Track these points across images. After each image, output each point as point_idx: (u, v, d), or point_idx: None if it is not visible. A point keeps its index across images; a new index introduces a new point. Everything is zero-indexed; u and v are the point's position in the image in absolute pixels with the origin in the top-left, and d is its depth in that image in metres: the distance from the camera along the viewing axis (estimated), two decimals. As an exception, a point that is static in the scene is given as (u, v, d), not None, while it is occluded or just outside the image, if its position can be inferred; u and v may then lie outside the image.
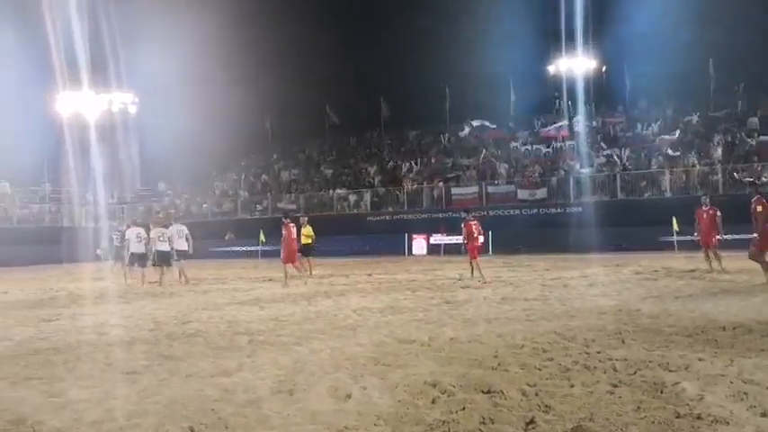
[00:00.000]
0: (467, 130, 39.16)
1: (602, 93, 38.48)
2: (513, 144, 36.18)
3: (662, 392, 4.59)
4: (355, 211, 34.44)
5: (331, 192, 35.94)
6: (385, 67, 43.97)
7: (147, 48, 35.28)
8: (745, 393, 4.47)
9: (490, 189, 31.86)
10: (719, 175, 27.18)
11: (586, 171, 30.80)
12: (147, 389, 5.20)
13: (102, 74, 38.67)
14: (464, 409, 4.37)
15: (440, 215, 30.49)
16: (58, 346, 7.29)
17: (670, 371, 5.19)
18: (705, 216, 14.70)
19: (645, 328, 7.26)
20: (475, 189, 32.13)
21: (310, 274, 17.45)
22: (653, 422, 3.96)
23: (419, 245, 30.08)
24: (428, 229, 30.29)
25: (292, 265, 16.11)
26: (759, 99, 32.68)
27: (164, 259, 16.29)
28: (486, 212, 28.93)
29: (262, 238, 28.61)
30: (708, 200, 15.21)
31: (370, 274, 17.55)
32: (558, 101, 37.73)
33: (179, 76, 35.05)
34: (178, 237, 16.51)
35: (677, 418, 4.02)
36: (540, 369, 5.44)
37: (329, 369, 5.70)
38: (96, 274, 20.82)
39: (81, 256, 29.53)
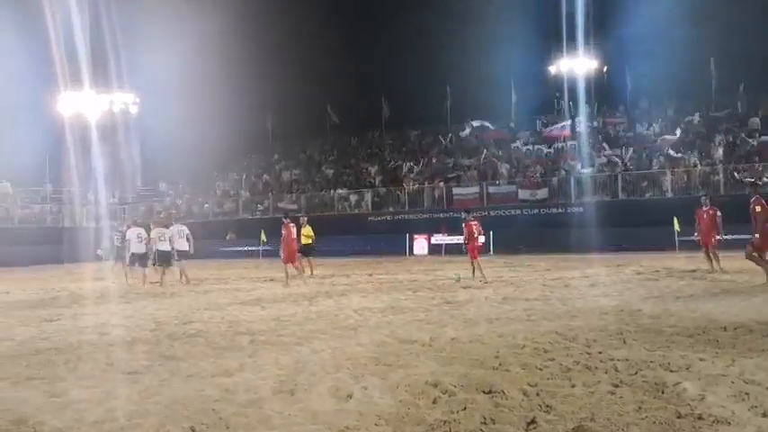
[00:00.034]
0: (467, 130, 39.16)
1: (604, 93, 38.51)
2: (515, 144, 36.17)
3: (663, 393, 4.59)
4: (356, 211, 34.43)
5: (332, 192, 35.94)
6: (386, 67, 44.04)
7: (148, 48, 35.30)
8: (747, 394, 4.46)
9: (491, 189, 31.84)
10: (721, 176, 27.16)
11: (587, 171, 30.77)
12: (148, 389, 5.20)
13: (104, 74, 38.75)
14: (465, 409, 4.37)
15: (441, 215, 30.45)
16: (60, 346, 7.30)
17: (671, 371, 5.19)
18: (705, 216, 14.70)
19: (646, 329, 7.25)
20: (476, 189, 32.12)
21: (311, 274, 17.46)
22: (654, 422, 3.96)
23: (420, 245, 30.07)
24: (429, 229, 30.27)
25: (292, 265, 16.12)
26: (760, 99, 32.66)
27: (164, 259, 16.30)
28: (487, 212, 28.93)
29: (263, 237, 28.61)
30: (707, 200, 15.20)
31: (371, 275, 17.55)
32: (559, 101, 37.73)
33: (180, 77, 35.05)
34: (179, 237, 16.52)
35: (678, 418, 4.02)
36: (541, 369, 5.44)
37: (330, 369, 5.70)
38: (97, 274, 20.83)
39: (82, 257, 29.54)
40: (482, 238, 19.19)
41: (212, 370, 5.85)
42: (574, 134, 34.36)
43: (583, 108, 34.99)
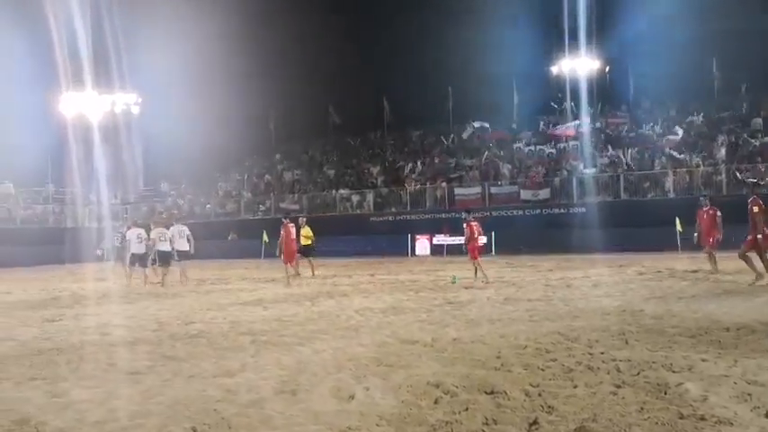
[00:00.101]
0: (468, 131, 39.14)
1: (606, 93, 38.47)
2: (517, 144, 36.15)
3: (665, 393, 4.58)
4: (358, 211, 34.44)
5: (334, 192, 35.95)
6: (388, 68, 44.10)
7: (150, 48, 35.32)
8: (749, 394, 4.45)
9: (493, 189, 31.84)
10: (723, 176, 27.12)
11: (590, 171, 30.76)
12: (150, 389, 5.21)
13: (106, 74, 38.79)
14: (467, 409, 4.36)
15: (443, 215, 30.45)
16: (62, 347, 7.31)
17: (673, 372, 5.18)
18: (705, 216, 14.69)
19: (648, 329, 7.24)
20: (478, 189, 32.12)
21: (312, 274, 17.47)
22: (656, 423, 3.95)
23: (422, 245, 30.07)
24: (431, 229, 30.27)
25: (289, 265, 16.12)
26: (763, 100, 32.61)
27: (165, 260, 16.32)
28: (489, 213, 28.95)
29: (265, 238, 28.63)
30: (707, 200, 15.17)
31: (372, 275, 17.55)
32: (561, 101, 37.69)
33: (182, 77, 35.11)
34: (179, 237, 16.54)
35: (681, 418, 4.01)
36: (543, 370, 5.43)
37: (332, 369, 5.70)
38: (99, 274, 20.85)
39: (84, 257, 29.59)
40: (483, 239, 19.21)
41: (214, 370, 5.85)
42: (576, 134, 34.32)
43: (585, 108, 34.95)
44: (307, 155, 44.40)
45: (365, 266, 21.54)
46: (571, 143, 34.09)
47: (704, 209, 14.77)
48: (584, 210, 28.58)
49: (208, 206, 38.63)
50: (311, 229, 18.31)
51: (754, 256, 11.51)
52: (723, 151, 28.90)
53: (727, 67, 35.33)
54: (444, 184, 33.32)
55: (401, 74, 43.69)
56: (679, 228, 21.37)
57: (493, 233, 26.98)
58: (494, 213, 29.43)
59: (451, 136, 39.72)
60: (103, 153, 36.85)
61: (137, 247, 16.63)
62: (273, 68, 41.64)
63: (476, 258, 14.85)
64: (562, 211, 29.46)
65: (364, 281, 15.85)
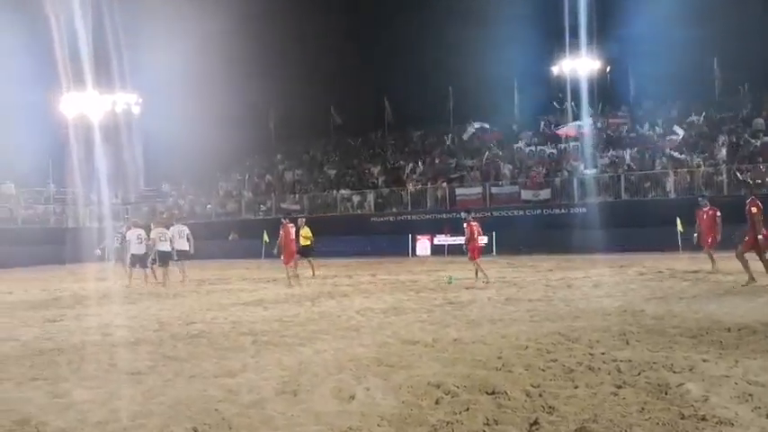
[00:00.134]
0: (468, 132, 39.11)
1: (607, 93, 38.41)
2: (517, 145, 36.13)
3: (666, 394, 4.58)
4: (359, 211, 34.41)
5: (335, 192, 35.94)
6: (388, 68, 44.03)
7: (150, 48, 35.32)
8: (750, 395, 4.46)
9: (494, 190, 31.81)
10: (724, 176, 27.09)
11: (590, 172, 30.74)
12: (151, 389, 5.22)
13: (107, 74, 38.80)
14: (468, 410, 4.37)
15: (443, 216, 30.42)
16: (63, 347, 7.31)
17: (674, 372, 5.19)
18: (705, 217, 14.69)
19: (649, 330, 7.25)
20: (479, 190, 32.09)
21: (313, 275, 17.46)
22: (657, 423, 3.95)
23: (423, 245, 30.05)
24: (432, 229, 30.25)
25: (290, 265, 16.13)
26: (764, 99, 32.56)
27: (165, 260, 16.33)
28: (489, 213, 28.92)
29: (265, 238, 28.62)
30: (706, 201, 15.18)
31: (373, 275, 17.55)
32: (562, 101, 37.65)
33: (183, 77, 35.07)
34: (179, 237, 16.55)
35: (682, 419, 4.01)
36: (544, 370, 5.44)
37: (333, 370, 5.71)
38: (100, 274, 20.86)
39: (85, 257, 29.59)
40: (483, 239, 19.21)
41: (215, 370, 5.86)
42: (579, 134, 34.26)
43: (586, 108, 34.92)
44: (307, 155, 44.39)
45: (366, 267, 21.54)
46: (572, 143, 34.07)
47: (704, 209, 14.78)
48: (584, 210, 28.56)
49: (208, 206, 38.62)
50: (310, 230, 18.31)
51: (751, 257, 11.51)
52: (724, 151, 28.86)
53: (728, 66, 35.28)
54: (445, 184, 33.30)
55: (402, 74, 43.69)
56: (680, 228, 21.36)
57: (494, 233, 26.96)
58: (494, 214, 29.38)
59: (452, 136, 39.67)
60: (104, 153, 36.85)
61: (136, 248, 16.61)
62: (274, 68, 41.65)
63: (475, 259, 14.84)
64: (563, 211, 29.44)
65: (365, 281, 15.85)
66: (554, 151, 34.48)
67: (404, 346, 6.82)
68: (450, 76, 41.32)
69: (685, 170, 28.50)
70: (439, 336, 7.33)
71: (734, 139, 29.90)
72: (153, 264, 16.68)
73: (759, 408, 4.20)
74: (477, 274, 14.68)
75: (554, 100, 38.19)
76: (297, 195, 36.92)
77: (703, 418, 4.00)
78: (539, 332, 7.32)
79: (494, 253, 26.22)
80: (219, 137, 37.86)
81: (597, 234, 24.89)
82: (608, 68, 38.23)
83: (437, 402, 4.60)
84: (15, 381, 5.69)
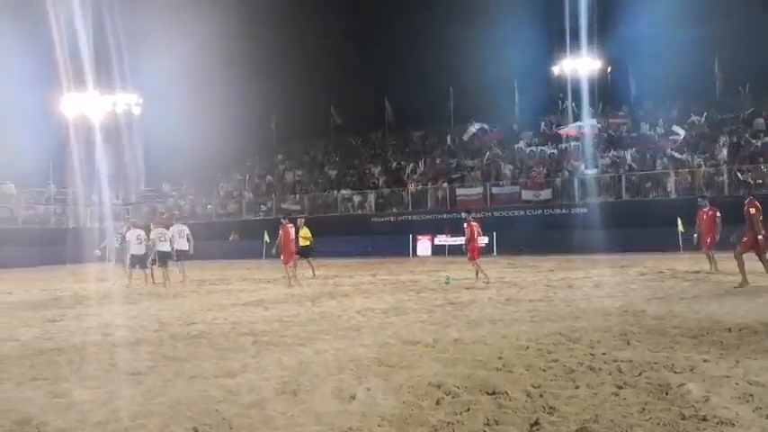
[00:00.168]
0: (469, 133, 39.10)
1: (607, 93, 38.45)
2: (518, 145, 36.13)
3: (667, 394, 4.57)
4: (359, 211, 34.43)
5: (335, 192, 35.96)
6: (389, 68, 44.05)
7: (151, 49, 35.37)
8: (751, 395, 4.45)
9: (495, 190, 31.81)
10: (725, 176, 27.08)
11: (591, 172, 30.74)
12: (151, 390, 5.21)
13: (107, 75, 38.87)
14: (468, 410, 4.36)
15: (444, 216, 30.44)
16: (63, 347, 7.31)
17: (675, 372, 5.18)
18: (705, 217, 14.69)
19: (650, 330, 7.24)
20: (479, 190, 32.11)
21: (313, 275, 17.46)
22: (658, 424, 3.94)
23: (423, 246, 30.05)
24: (432, 229, 30.26)
25: (289, 265, 16.13)
26: (765, 100, 32.59)
27: (165, 260, 16.32)
28: (490, 213, 28.93)
29: (266, 238, 28.62)
30: (706, 201, 15.18)
31: (374, 275, 17.55)
32: (563, 102, 37.66)
33: (183, 78, 35.13)
34: (179, 236, 16.54)
35: (682, 419, 4.01)
36: (544, 370, 5.43)
37: (333, 370, 5.70)
38: (100, 274, 20.86)
39: (86, 257, 29.59)
40: (483, 239, 19.19)
41: (215, 371, 5.85)
42: (580, 134, 34.26)
43: (586, 109, 34.92)
44: (308, 155, 44.42)
45: (366, 267, 21.54)
46: (572, 143, 34.07)
47: (704, 210, 14.78)
48: (585, 210, 28.57)
49: (209, 206, 38.64)
50: (310, 230, 18.31)
51: (750, 257, 11.50)
52: (725, 152, 28.87)
53: (729, 67, 35.30)
54: (446, 184, 33.32)
55: (402, 74, 43.73)
56: (681, 228, 21.34)
57: (494, 233, 26.95)
58: (495, 214, 29.39)
59: (452, 136, 39.70)
60: (105, 153, 36.89)
61: (136, 248, 16.59)
62: (274, 68, 41.70)
63: (475, 259, 14.83)
64: (563, 211, 29.44)
65: (366, 281, 15.85)
66: (555, 151, 34.49)
67: (404, 346, 6.81)
68: (451, 77, 41.40)
69: (686, 170, 28.50)
70: (440, 336, 7.32)
71: (734, 140, 29.90)
72: (153, 264, 16.68)
73: (760, 408, 4.19)
74: (477, 274, 14.67)
75: (555, 100, 38.24)
76: (297, 196, 36.95)
77: (704, 419, 4.00)
78: (539, 332, 7.31)
79: (494, 253, 26.22)
80: (220, 137, 37.90)
81: (598, 234, 24.89)
82: (609, 68, 38.28)
83: (438, 403, 4.59)
84: (15, 381, 5.69)
